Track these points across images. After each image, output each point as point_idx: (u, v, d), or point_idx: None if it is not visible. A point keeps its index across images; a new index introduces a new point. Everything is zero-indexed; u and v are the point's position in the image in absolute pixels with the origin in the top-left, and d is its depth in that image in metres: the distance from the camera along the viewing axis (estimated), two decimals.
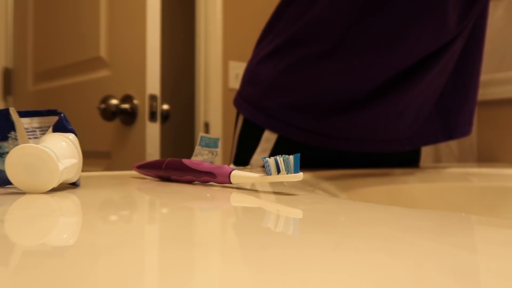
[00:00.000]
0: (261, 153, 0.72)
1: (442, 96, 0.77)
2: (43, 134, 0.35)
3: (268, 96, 0.72)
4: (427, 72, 0.70)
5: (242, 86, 0.79)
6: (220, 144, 0.47)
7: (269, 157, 0.32)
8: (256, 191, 0.36)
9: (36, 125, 0.35)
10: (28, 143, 0.33)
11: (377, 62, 0.68)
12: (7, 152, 0.32)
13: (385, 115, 0.72)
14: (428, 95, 0.74)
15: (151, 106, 1.15)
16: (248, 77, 0.77)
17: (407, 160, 0.82)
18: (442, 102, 0.78)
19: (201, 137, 0.45)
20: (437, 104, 0.77)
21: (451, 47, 0.70)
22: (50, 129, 0.35)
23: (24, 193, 0.30)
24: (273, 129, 0.72)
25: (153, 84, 1.15)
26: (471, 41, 0.76)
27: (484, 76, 1.10)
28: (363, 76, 0.69)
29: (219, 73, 1.71)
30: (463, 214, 0.25)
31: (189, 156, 0.46)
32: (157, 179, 0.43)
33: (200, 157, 0.45)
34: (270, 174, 0.32)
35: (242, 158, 0.76)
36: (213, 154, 0.46)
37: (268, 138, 0.73)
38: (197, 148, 0.45)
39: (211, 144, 0.45)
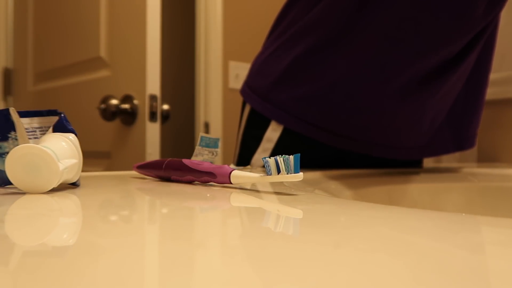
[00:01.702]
0: (262, 153, 0.72)
1: (454, 107, 0.75)
2: (43, 134, 0.35)
3: (277, 89, 0.71)
4: (446, 79, 0.67)
5: (250, 76, 0.77)
6: (220, 144, 0.47)
7: (269, 157, 0.32)
8: (256, 191, 0.36)
9: (36, 125, 0.35)
10: (28, 143, 0.33)
11: (392, 55, 0.64)
12: (7, 152, 0.32)
13: (400, 122, 0.70)
14: (443, 105, 0.72)
15: (151, 106, 1.15)
16: (257, 69, 0.76)
17: (410, 160, 0.81)
18: (454, 113, 0.76)
19: (201, 137, 0.45)
20: (448, 115, 0.75)
21: (471, 52, 0.68)
22: (50, 129, 0.35)
23: (24, 193, 0.30)
24: (280, 121, 0.70)
25: (153, 84, 1.15)
26: (483, 51, 0.74)
27: None
28: (377, 72, 0.65)
29: (219, 73, 1.71)
30: (463, 214, 0.25)
31: (189, 156, 0.46)
32: (157, 179, 0.43)
33: (200, 157, 0.45)
34: (270, 174, 0.32)
35: (244, 158, 0.76)
36: (213, 154, 0.46)
37: (270, 138, 0.72)
38: (197, 148, 0.45)
39: (211, 144, 0.45)
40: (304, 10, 0.70)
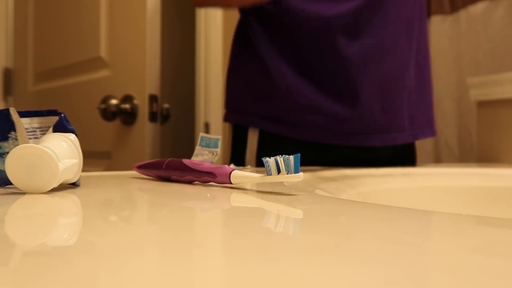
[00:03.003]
0: (250, 156, 0.77)
1: (409, 98, 0.80)
2: (43, 134, 0.35)
3: (241, 99, 0.81)
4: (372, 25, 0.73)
5: (225, 100, 0.87)
6: (220, 144, 0.47)
7: (269, 157, 0.32)
8: (256, 191, 0.36)
9: (36, 125, 0.35)
10: (28, 143, 0.33)
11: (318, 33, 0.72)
12: (7, 152, 0.32)
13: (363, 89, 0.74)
14: (391, 70, 0.76)
15: (151, 106, 1.15)
16: (226, 90, 0.88)
17: (402, 159, 0.82)
18: (410, 103, 0.80)
19: (202, 137, 0.45)
20: (408, 104, 0.80)
21: None
22: (51, 129, 0.35)
23: (24, 193, 0.30)
24: (251, 124, 0.78)
25: (153, 84, 1.15)
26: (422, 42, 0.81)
27: (484, 76, 1.10)
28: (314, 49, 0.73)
29: (219, 73, 1.71)
30: (463, 214, 0.25)
31: (189, 156, 0.46)
32: (157, 179, 0.43)
33: (201, 157, 0.45)
34: (270, 174, 0.32)
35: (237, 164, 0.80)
36: (213, 154, 0.46)
37: (252, 141, 0.78)
38: (198, 148, 0.45)
39: (211, 144, 0.45)
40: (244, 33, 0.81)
